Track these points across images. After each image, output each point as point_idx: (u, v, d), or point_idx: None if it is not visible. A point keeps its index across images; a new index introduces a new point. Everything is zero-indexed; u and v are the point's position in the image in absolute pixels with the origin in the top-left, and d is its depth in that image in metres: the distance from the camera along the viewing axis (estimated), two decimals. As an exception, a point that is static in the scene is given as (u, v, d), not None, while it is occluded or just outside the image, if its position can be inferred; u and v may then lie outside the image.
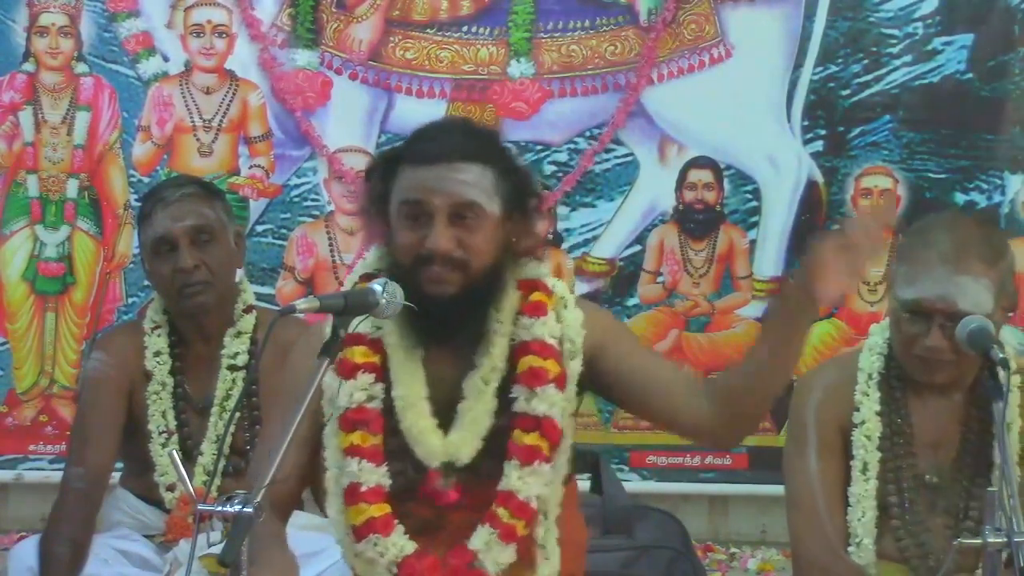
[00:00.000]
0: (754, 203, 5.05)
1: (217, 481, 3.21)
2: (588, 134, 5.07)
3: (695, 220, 5.07)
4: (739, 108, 5.02)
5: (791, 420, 3.03)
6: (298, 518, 2.89)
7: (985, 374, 2.73)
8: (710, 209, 5.07)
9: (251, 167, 5.08)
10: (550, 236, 4.89)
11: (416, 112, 4.97)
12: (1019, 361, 2.88)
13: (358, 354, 2.55)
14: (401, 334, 2.54)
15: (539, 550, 2.55)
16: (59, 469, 3.61)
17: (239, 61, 5.09)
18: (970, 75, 5.02)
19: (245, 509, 2.18)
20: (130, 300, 5.03)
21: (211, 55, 5.08)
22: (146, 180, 5.00)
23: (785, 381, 2.53)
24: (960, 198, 5.01)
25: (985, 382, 2.75)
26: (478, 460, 2.52)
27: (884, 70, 5.03)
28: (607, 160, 5.08)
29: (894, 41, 5.03)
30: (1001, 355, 2.65)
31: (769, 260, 5.02)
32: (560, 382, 2.54)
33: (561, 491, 2.59)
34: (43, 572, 3.18)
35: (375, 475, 2.51)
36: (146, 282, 3.75)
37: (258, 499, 2.19)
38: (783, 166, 5.05)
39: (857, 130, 5.04)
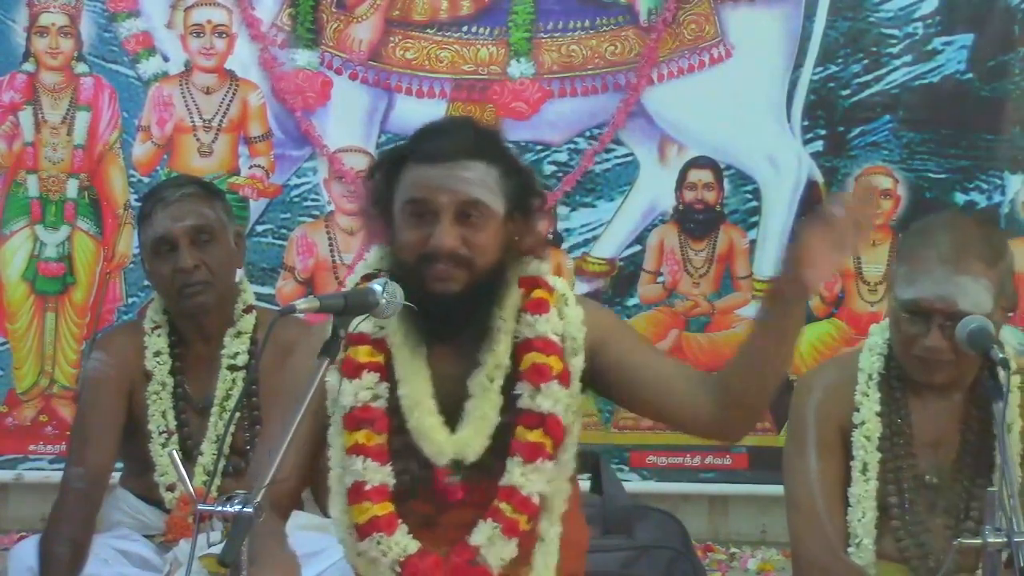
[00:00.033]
0: (754, 203, 5.06)
1: (217, 481, 3.21)
2: (588, 134, 5.07)
3: (695, 220, 5.07)
4: (739, 108, 5.02)
5: (791, 420, 3.02)
6: (298, 518, 2.89)
7: (985, 374, 2.73)
8: (710, 209, 5.07)
9: (251, 167, 5.08)
10: (550, 236, 4.89)
11: (416, 112, 4.97)
12: (1019, 361, 2.88)
13: (362, 353, 2.55)
14: (405, 333, 2.54)
15: (539, 544, 2.55)
16: (59, 469, 3.61)
17: (239, 61, 5.09)
18: (970, 75, 5.02)
19: (245, 509, 2.18)
20: (130, 300, 5.04)
21: (211, 55, 5.08)
22: (146, 180, 5.00)
23: (783, 371, 2.53)
24: (960, 198, 5.01)
25: (985, 382, 2.75)
26: (484, 457, 2.52)
27: (884, 70, 5.03)
28: (607, 160, 5.08)
29: (894, 41, 5.03)
30: (1001, 355, 2.65)
31: (769, 260, 5.02)
32: (564, 378, 2.54)
33: (568, 488, 2.60)
34: (43, 572, 3.18)
35: (379, 474, 2.51)
36: (146, 282, 3.75)
37: (258, 499, 2.20)
38: (783, 166, 5.05)
39: (857, 130, 5.04)
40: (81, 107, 5.07)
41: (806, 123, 5.04)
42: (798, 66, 5.03)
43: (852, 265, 5.01)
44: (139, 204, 3.82)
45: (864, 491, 2.90)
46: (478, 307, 2.53)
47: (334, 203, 5.06)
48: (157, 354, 3.37)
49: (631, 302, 5.07)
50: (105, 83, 5.07)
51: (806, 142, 5.04)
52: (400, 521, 2.51)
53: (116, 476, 3.45)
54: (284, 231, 5.08)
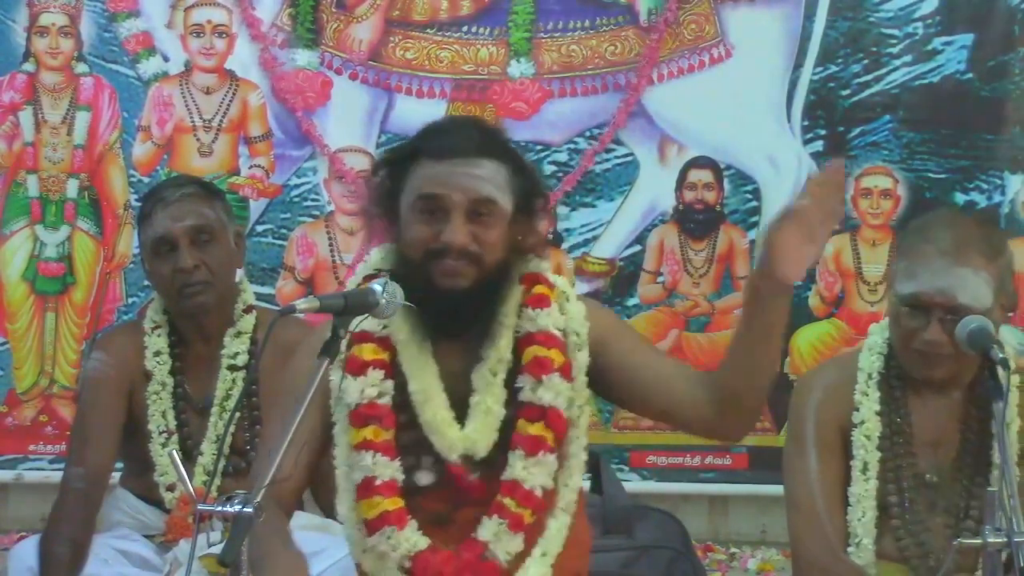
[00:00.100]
0: (754, 203, 5.05)
1: (217, 481, 3.21)
2: (588, 134, 5.07)
3: (695, 220, 5.07)
4: (739, 108, 5.02)
5: (791, 420, 3.03)
6: (298, 518, 2.89)
7: (985, 374, 2.73)
8: (710, 209, 5.07)
9: (251, 167, 5.08)
10: (550, 236, 4.89)
11: (416, 112, 4.97)
12: (1019, 361, 2.88)
13: (367, 351, 2.55)
14: (410, 329, 2.55)
15: (540, 538, 2.54)
16: (59, 469, 3.61)
17: (239, 61, 5.09)
18: (970, 75, 5.02)
19: (245, 509, 2.18)
20: (130, 300, 5.03)
21: (211, 55, 5.08)
22: (146, 180, 5.00)
23: (773, 369, 2.53)
24: (960, 198, 5.01)
25: (985, 382, 2.75)
26: (492, 452, 2.53)
27: (884, 70, 5.03)
28: (607, 160, 5.08)
29: (894, 41, 5.03)
30: (1001, 355, 2.65)
31: (769, 260, 5.01)
32: (565, 371, 2.55)
33: (579, 481, 2.60)
34: (43, 572, 3.18)
35: (389, 469, 2.51)
36: (146, 282, 3.74)
37: (258, 499, 2.19)
38: (783, 166, 5.05)
39: (857, 130, 5.04)
40: (81, 107, 5.07)
41: (806, 123, 5.04)
42: (798, 66, 5.03)
43: (852, 265, 5.01)
44: (139, 204, 3.82)
45: (864, 490, 2.90)
46: (484, 303, 2.54)
47: (334, 203, 5.06)
48: (157, 354, 3.37)
49: (631, 302, 5.07)
50: (105, 83, 5.07)
51: (806, 142, 5.04)
52: (410, 517, 2.51)
53: (116, 476, 3.45)
54: (284, 231, 5.08)
